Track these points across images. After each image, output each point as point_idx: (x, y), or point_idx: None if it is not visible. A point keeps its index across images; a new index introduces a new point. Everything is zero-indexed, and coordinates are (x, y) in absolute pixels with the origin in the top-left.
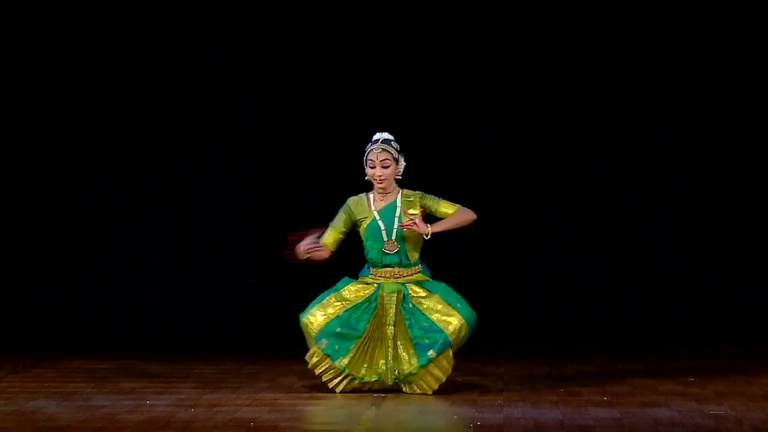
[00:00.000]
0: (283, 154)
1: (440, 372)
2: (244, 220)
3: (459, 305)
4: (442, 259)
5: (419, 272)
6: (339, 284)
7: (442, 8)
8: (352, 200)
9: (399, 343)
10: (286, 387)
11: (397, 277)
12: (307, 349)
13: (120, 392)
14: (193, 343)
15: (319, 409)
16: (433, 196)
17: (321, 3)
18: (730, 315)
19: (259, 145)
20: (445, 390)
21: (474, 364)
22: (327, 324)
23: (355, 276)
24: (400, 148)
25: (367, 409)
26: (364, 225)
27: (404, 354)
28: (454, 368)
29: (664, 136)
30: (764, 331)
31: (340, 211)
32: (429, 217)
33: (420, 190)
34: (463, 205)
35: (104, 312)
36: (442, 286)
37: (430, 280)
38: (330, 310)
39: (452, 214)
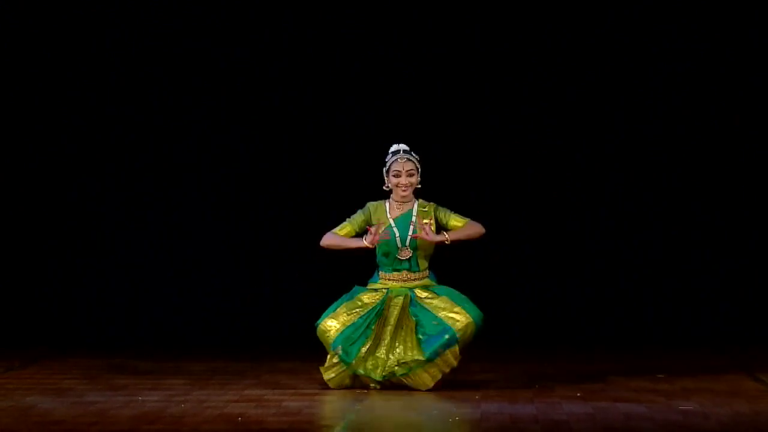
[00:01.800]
0: (278, 153)
1: (445, 366)
2: (231, 220)
3: (466, 305)
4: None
5: (426, 277)
6: (351, 292)
7: (440, 13)
8: (372, 204)
9: (403, 339)
10: (273, 383)
11: (405, 281)
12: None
13: (113, 388)
14: (184, 342)
15: (304, 405)
16: (445, 209)
17: (323, 10)
18: (698, 315)
19: (250, 144)
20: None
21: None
22: (341, 332)
23: (364, 283)
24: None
25: (351, 405)
26: (380, 230)
27: (408, 350)
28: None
29: (642, 140)
30: (730, 331)
31: (360, 211)
32: (438, 228)
33: (424, 197)
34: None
35: (98, 312)
36: (448, 289)
37: (436, 284)
38: (342, 318)
39: (461, 227)
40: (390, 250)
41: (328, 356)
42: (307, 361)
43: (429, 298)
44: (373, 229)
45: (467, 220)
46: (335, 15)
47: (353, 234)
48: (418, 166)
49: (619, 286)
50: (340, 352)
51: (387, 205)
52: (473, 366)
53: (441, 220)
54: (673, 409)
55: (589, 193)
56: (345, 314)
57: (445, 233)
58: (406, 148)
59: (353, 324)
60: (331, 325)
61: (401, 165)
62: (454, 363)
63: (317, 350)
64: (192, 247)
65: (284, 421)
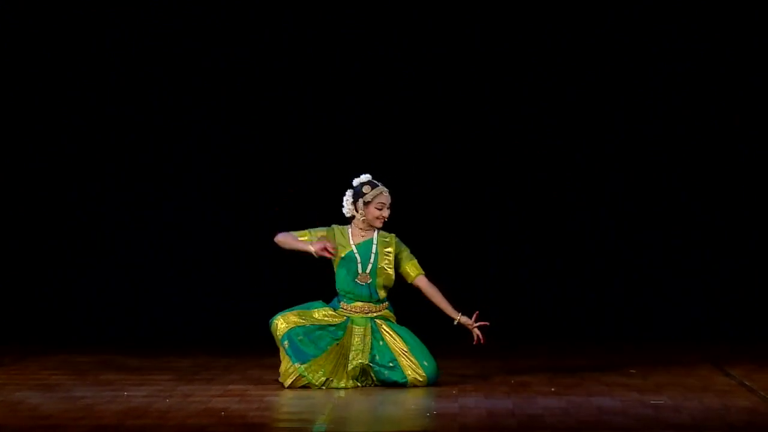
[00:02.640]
0: (277, 152)
1: None
2: (220, 219)
3: (426, 363)
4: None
5: (386, 308)
6: (309, 304)
7: (439, 13)
8: (337, 227)
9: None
10: (256, 379)
11: (367, 313)
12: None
13: (100, 384)
14: (170, 338)
15: (286, 400)
16: (406, 249)
17: (323, 10)
18: (669, 312)
19: (246, 142)
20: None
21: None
22: (292, 328)
23: (327, 301)
24: None
25: (332, 400)
26: (340, 255)
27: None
28: None
29: (633, 141)
30: (701, 327)
31: (323, 227)
32: (395, 262)
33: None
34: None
35: (86, 309)
36: (408, 332)
37: (394, 320)
38: (300, 320)
39: (414, 277)
40: (349, 276)
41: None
42: None
43: (390, 334)
44: (328, 244)
45: (421, 271)
46: (335, 15)
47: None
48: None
49: (593, 283)
50: (287, 346)
51: (349, 230)
52: (451, 362)
53: (400, 259)
54: (646, 404)
55: (580, 191)
56: (301, 317)
57: (457, 315)
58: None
59: (302, 326)
60: (282, 321)
61: (386, 198)
62: None
63: None
64: (180, 245)
65: (266, 416)
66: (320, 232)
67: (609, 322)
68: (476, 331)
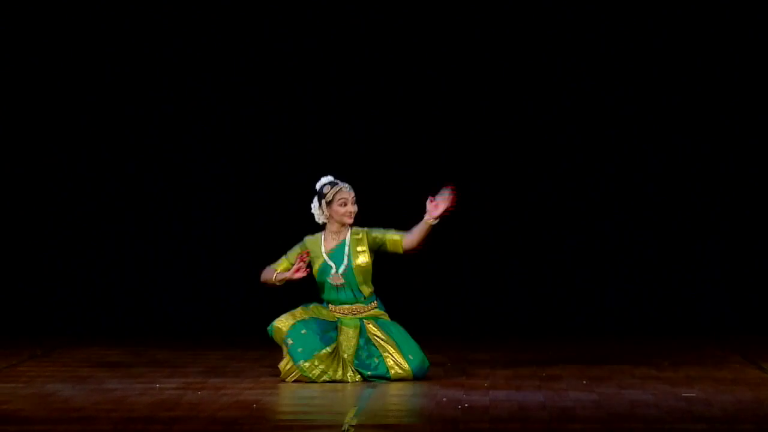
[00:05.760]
0: (283, 148)
1: None
2: (246, 214)
3: (411, 356)
4: (432, 250)
5: (376, 308)
6: (304, 305)
7: (438, 14)
8: (309, 239)
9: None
10: None
11: (356, 314)
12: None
13: (131, 376)
14: (201, 331)
15: (316, 392)
16: (377, 229)
17: (322, 11)
18: (701, 305)
19: (258, 140)
20: (434, 375)
21: (461, 351)
22: (294, 324)
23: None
24: None
25: (361, 392)
26: (316, 267)
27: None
28: (444, 354)
29: (632, 139)
30: (733, 321)
31: (296, 246)
32: (377, 251)
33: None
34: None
35: (117, 303)
36: (398, 328)
37: (387, 317)
38: (297, 316)
39: (399, 240)
40: (322, 278)
41: (284, 359)
42: None
43: (376, 335)
44: (300, 259)
45: (402, 234)
46: (335, 16)
47: (289, 268)
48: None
49: (626, 276)
50: (289, 345)
51: (322, 237)
52: (481, 355)
53: (378, 240)
54: (677, 396)
55: (595, 187)
56: (298, 314)
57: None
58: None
59: (304, 321)
60: (283, 323)
61: (347, 194)
62: None
63: None
64: (210, 239)
65: (298, 409)
66: (295, 252)
67: (639, 316)
68: (433, 205)
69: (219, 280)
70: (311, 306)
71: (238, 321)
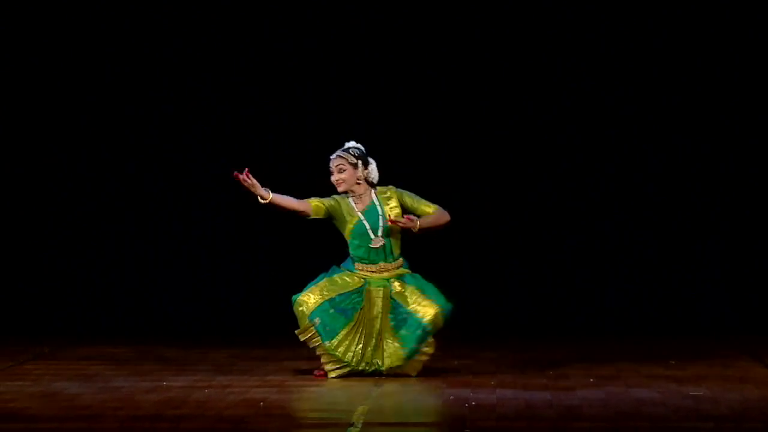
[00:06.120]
0: (283, 148)
1: (424, 356)
2: (246, 214)
3: (433, 295)
4: (437, 251)
5: (401, 266)
6: (329, 272)
7: (438, 14)
8: (342, 198)
9: (385, 336)
10: (293, 370)
11: (383, 272)
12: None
13: (138, 374)
14: (208, 330)
15: (324, 390)
16: (411, 194)
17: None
18: (709, 303)
19: (258, 140)
20: (441, 372)
21: (468, 349)
22: (320, 304)
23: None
24: (361, 153)
25: (369, 390)
26: (350, 226)
27: (390, 346)
28: (450, 353)
29: (635, 138)
30: (733, 321)
31: (330, 198)
32: (405, 212)
33: (396, 185)
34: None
35: (124, 301)
36: (417, 277)
37: (409, 272)
38: (325, 292)
39: (431, 213)
40: (363, 243)
41: (301, 328)
42: None
43: (400, 291)
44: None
45: (436, 206)
46: (335, 16)
47: (322, 208)
48: (355, 161)
49: (626, 276)
50: (318, 322)
51: (350, 200)
52: (488, 353)
53: (409, 205)
54: (685, 395)
55: (595, 187)
56: (325, 289)
57: (415, 219)
58: (349, 144)
59: (330, 300)
60: (310, 297)
61: (332, 163)
62: (431, 350)
63: None
64: (216, 238)
65: (305, 407)
66: (327, 200)
67: (639, 316)
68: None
69: (219, 280)
70: (335, 276)
71: (239, 321)
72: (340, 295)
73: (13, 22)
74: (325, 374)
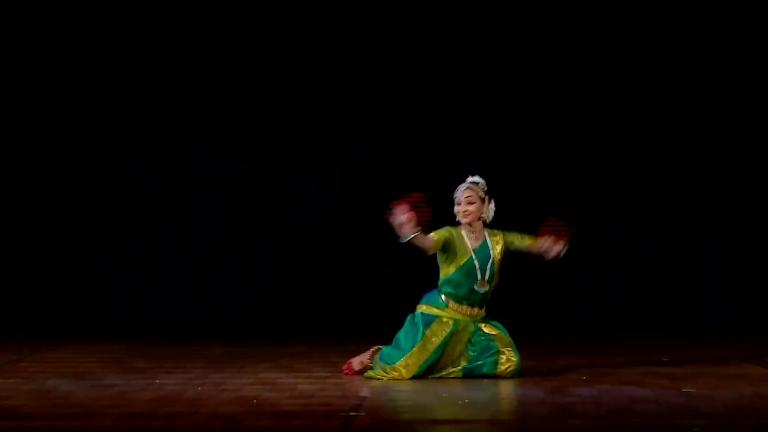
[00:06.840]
0: (283, 148)
1: None
2: (247, 210)
3: (515, 350)
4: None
5: (484, 312)
6: (416, 328)
7: (438, 14)
8: (456, 230)
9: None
10: (287, 367)
11: (474, 317)
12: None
13: (131, 372)
14: (202, 327)
15: (317, 388)
16: (513, 232)
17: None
18: (701, 305)
19: (258, 140)
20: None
21: None
22: (415, 371)
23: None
24: (487, 189)
25: (362, 388)
26: (460, 261)
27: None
28: None
29: (632, 140)
30: (733, 320)
31: (443, 229)
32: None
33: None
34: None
35: (117, 299)
36: (500, 326)
37: (489, 319)
38: (414, 361)
39: (534, 239)
40: (467, 282)
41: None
42: (322, 346)
43: (490, 333)
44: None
45: (532, 236)
46: (335, 16)
47: (438, 244)
48: (483, 196)
49: (626, 275)
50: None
51: (463, 233)
52: None
53: (515, 242)
54: (678, 392)
55: (595, 187)
56: (417, 356)
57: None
58: (476, 179)
59: (425, 361)
60: (403, 372)
61: (460, 193)
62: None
63: (331, 335)
64: (210, 235)
65: (298, 404)
66: (443, 232)
67: (639, 315)
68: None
69: (219, 280)
70: (427, 332)
71: (238, 320)
72: (431, 354)
73: (13, 22)
74: (353, 370)
